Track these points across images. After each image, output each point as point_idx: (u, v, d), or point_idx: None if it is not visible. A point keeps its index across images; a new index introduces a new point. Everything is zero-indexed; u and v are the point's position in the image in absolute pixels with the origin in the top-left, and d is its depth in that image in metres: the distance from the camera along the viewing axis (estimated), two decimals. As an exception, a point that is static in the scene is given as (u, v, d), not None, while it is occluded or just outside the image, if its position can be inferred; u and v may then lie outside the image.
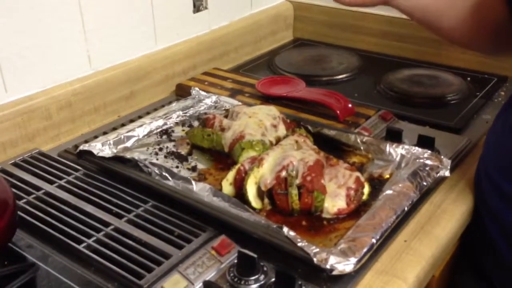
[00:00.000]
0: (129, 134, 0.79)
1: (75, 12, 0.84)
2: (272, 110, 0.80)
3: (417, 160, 0.71)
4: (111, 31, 0.91)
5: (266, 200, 0.65)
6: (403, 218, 0.62)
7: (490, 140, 0.72)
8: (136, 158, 0.71)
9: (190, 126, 0.85)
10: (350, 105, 0.85)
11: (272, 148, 0.70)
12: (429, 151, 0.72)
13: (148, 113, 0.89)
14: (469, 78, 1.01)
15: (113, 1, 0.90)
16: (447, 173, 0.69)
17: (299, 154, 0.67)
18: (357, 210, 0.64)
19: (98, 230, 0.61)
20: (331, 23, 1.22)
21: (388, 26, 1.14)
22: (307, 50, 1.17)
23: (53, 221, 0.63)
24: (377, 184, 0.69)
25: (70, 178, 0.71)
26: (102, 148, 0.74)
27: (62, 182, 0.70)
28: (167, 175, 0.68)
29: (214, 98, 0.91)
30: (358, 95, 0.96)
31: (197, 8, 1.06)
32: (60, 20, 0.82)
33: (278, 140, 0.75)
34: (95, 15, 0.87)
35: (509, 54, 0.81)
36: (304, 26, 1.26)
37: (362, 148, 0.76)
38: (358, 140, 0.76)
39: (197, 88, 0.93)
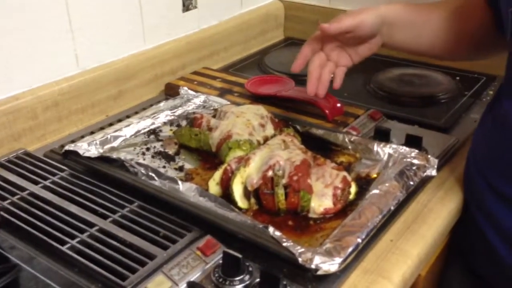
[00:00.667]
0: (116, 134, 0.78)
1: (62, 11, 0.83)
2: (260, 110, 0.79)
3: (404, 160, 0.70)
4: (99, 30, 0.90)
5: (252, 200, 0.64)
6: (390, 218, 0.62)
7: (479, 136, 0.72)
8: (123, 158, 0.71)
9: (178, 125, 0.84)
10: (339, 105, 0.85)
11: (259, 148, 0.70)
12: (417, 151, 0.71)
13: (136, 113, 0.89)
14: (458, 78, 1.01)
15: (101, 1, 0.89)
16: (434, 172, 0.69)
17: (286, 153, 0.67)
18: (343, 209, 0.64)
19: (82, 231, 0.61)
20: (322, 22, 1.21)
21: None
22: (298, 49, 1.15)
23: (37, 222, 0.62)
24: (364, 183, 0.68)
25: (55, 178, 0.71)
26: (88, 148, 0.74)
27: (47, 183, 0.70)
28: (153, 175, 0.67)
29: (202, 97, 0.90)
30: (347, 95, 0.95)
31: (186, 7, 1.05)
32: (47, 19, 0.82)
33: (266, 140, 0.74)
34: (82, 14, 0.86)
35: (492, 56, 0.81)
36: (294, 25, 1.26)
37: (350, 147, 0.76)
38: (346, 140, 0.76)
39: (185, 88, 0.92)
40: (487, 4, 0.75)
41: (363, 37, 0.76)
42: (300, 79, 1.00)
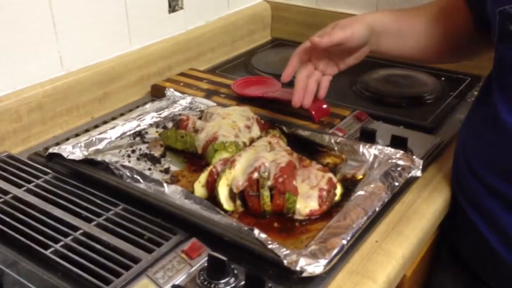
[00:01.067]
0: (101, 136, 0.77)
1: (45, 12, 0.83)
2: (246, 111, 0.79)
3: (390, 161, 0.71)
4: (84, 32, 0.89)
5: (238, 202, 0.64)
6: (375, 219, 0.63)
7: (468, 135, 0.72)
8: (107, 160, 0.70)
9: (164, 127, 0.84)
10: (325, 106, 0.85)
11: (244, 150, 0.69)
12: (402, 152, 0.72)
13: (122, 115, 0.88)
14: (443, 78, 1.01)
15: (86, 1, 0.88)
16: (418, 173, 0.69)
17: (272, 155, 0.67)
18: (329, 211, 0.64)
19: (66, 235, 0.60)
20: (308, 23, 1.22)
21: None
22: (285, 50, 1.17)
23: (20, 226, 0.61)
24: (350, 184, 0.69)
25: (39, 181, 0.70)
26: (72, 150, 0.73)
27: (30, 186, 0.69)
28: (138, 177, 0.67)
29: (189, 99, 0.90)
30: (334, 96, 0.95)
31: (172, 8, 1.05)
32: (31, 20, 0.81)
33: (252, 141, 0.74)
34: (67, 15, 0.86)
35: (477, 57, 0.83)
36: (281, 26, 1.26)
37: (336, 148, 0.76)
38: (332, 141, 0.76)
39: (172, 89, 0.92)
40: (466, 6, 0.77)
41: (354, 48, 0.77)
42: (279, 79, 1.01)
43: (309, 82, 0.78)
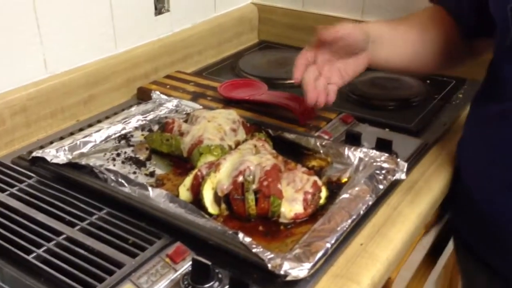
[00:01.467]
0: (86, 139, 0.77)
1: (29, 15, 0.82)
2: (232, 114, 0.79)
3: (374, 164, 0.71)
4: (68, 34, 0.89)
5: (223, 206, 0.64)
6: (360, 222, 0.63)
7: (475, 133, 0.74)
8: (92, 164, 0.70)
9: (150, 130, 0.83)
10: (311, 108, 0.85)
11: (230, 153, 0.69)
12: (386, 154, 0.72)
13: (107, 118, 0.87)
14: (428, 81, 1.02)
15: (70, 3, 0.87)
16: (403, 176, 0.70)
17: (257, 158, 0.67)
18: (314, 214, 0.64)
19: (49, 240, 0.59)
20: (295, 25, 1.22)
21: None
22: (272, 53, 1.17)
23: (3, 231, 0.61)
24: (335, 188, 0.69)
25: (22, 185, 0.69)
26: (56, 154, 0.72)
27: (13, 190, 0.68)
28: (123, 181, 0.67)
29: (175, 102, 0.90)
30: (320, 98, 0.96)
31: (158, 10, 1.04)
32: (14, 22, 0.80)
33: (238, 144, 0.74)
34: (51, 17, 0.85)
35: (469, 62, 0.86)
36: (269, 28, 1.26)
37: (321, 151, 0.76)
38: (318, 144, 0.77)
39: (158, 92, 0.92)
40: (450, 17, 0.79)
41: (354, 46, 0.76)
42: (273, 82, 1.01)
43: (316, 84, 0.76)
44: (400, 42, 0.80)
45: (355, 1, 1.14)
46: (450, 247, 1.00)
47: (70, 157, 0.73)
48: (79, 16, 0.89)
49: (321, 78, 0.77)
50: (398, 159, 0.72)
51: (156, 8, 1.04)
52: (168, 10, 1.06)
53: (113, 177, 0.67)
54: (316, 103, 0.75)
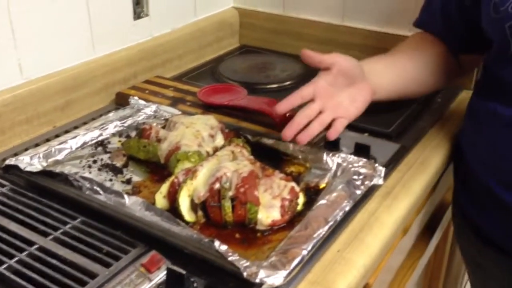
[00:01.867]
0: (61, 146, 0.76)
1: (3, 19, 0.80)
2: (210, 120, 0.79)
3: (352, 169, 0.71)
4: (44, 39, 0.87)
5: (199, 213, 0.64)
6: (337, 228, 0.63)
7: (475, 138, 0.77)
8: (67, 171, 0.69)
9: (128, 136, 0.82)
10: (290, 113, 0.85)
11: (207, 159, 0.69)
12: (364, 159, 0.72)
13: (85, 123, 0.86)
14: (407, 85, 1.03)
15: (46, 7, 0.86)
16: (380, 181, 0.70)
17: (234, 165, 0.66)
18: (291, 221, 0.64)
19: (21, 250, 0.58)
20: (277, 30, 1.22)
21: (332, 33, 1.15)
22: (252, 57, 1.17)
23: (-27, 242, 0.59)
24: (313, 193, 0.69)
25: (-5, 194, 0.68)
26: (30, 162, 0.71)
27: (-14, 199, 0.67)
28: (98, 189, 0.66)
29: (154, 107, 0.89)
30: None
31: (137, 14, 1.03)
32: (-13, 27, 0.79)
33: (216, 150, 0.74)
34: (27, 21, 0.84)
35: (460, 79, 0.91)
36: (250, 32, 1.26)
37: (300, 157, 0.76)
38: (296, 149, 0.76)
39: (136, 97, 0.91)
40: (439, 39, 0.83)
41: (350, 71, 0.77)
42: (253, 87, 1.01)
43: (311, 124, 0.73)
44: (392, 70, 0.83)
45: (336, 6, 1.15)
46: (430, 249, 1.01)
47: (44, 164, 0.72)
48: (56, 20, 0.88)
49: (320, 116, 0.74)
50: (376, 164, 0.72)
51: (135, 13, 1.03)
52: (147, 15, 1.05)
53: (88, 185, 0.66)
54: (296, 140, 0.72)
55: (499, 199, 0.73)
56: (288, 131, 0.73)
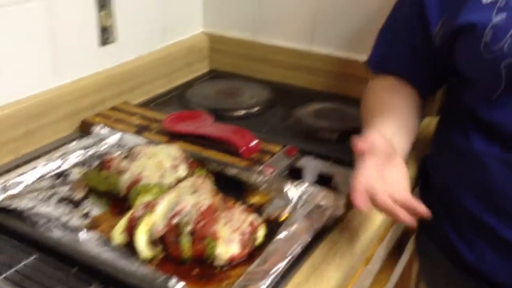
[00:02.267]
0: (19, 179, 0.74)
1: (-38, 48, 0.79)
2: (173, 150, 0.78)
3: (314, 200, 0.71)
4: (8, 66, 0.86)
5: (158, 248, 0.63)
6: (296, 262, 0.62)
7: (446, 167, 0.77)
8: (23, 206, 0.67)
9: (90, 167, 0.81)
10: (255, 142, 0.85)
11: (167, 192, 0.68)
12: (326, 190, 0.73)
13: (49, 152, 0.85)
14: (373, 112, 1.04)
15: (8, 34, 0.85)
16: (341, 212, 0.70)
17: (194, 198, 0.66)
18: (251, 255, 0.63)
19: (-30, 291, 0.57)
20: (246, 55, 1.23)
21: (300, 59, 1.16)
22: (221, 83, 1.17)
23: None
24: (274, 226, 0.68)
25: None
26: (-15, 196, 0.70)
27: None
28: (54, 224, 0.64)
29: (118, 135, 0.88)
30: (266, 130, 0.96)
31: (104, 40, 1.03)
32: None
33: (178, 181, 0.73)
34: (-13, 50, 0.83)
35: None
36: (219, 57, 1.26)
37: (263, 187, 0.76)
38: (260, 179, 0.76)
39: (101, 125, 0.90)
40: (410, 83, 0.82)
41: (387, 146, 0.67)
42: (221, 114, 1.01)
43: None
44: (404, 131, 0.76)
45: (304, 32, 1.16)
46: (397, 273, 1.02)
47: (0, 199, 0.70)
48: (20, 47, 0.87)
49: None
50: (338, 195, 0.72)
51: (101, 38, 1.02)
52: (114, 40, 1.05)
53: (43, 221, 0.64)
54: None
55: (468, 218, 0.74)
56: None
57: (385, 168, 0.65)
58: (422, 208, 0.60)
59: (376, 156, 0.64)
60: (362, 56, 1.10)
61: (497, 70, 0.66)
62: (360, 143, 0.64)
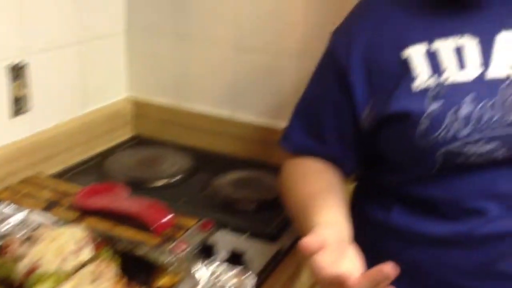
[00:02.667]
0: None
1: None
2: (78, 232, 0.75)
3: (224, 279, 0.70)
4: None
5: None
6: None
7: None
8: None
9: (-12, 250, 0.76)
10: (168, 218, 0.83)
11: (67, 281, 0.65)
12: (237, 268, 0.72)
13: None
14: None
15: None
16: (251, 292, 0.69)
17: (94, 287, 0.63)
18: None
19: None
20: (170, 120, 1.23)
21: (223, 125, 1.17)
22: (143, 150, 1.16)
23: None
24: (180, 310, 0.66)
25: None
26: None
27: None
28: None
29: (24, 213, 0.84)
30: (184, 201, 0.95)
31: (17, 110, 1.00)
32: None
33: (82, 266, 0.70)
34: None
35: None
36: (143, 123, 1.25)
37: (172, 268, 0.73)
38: (169, 259, 0.74)
39: (6, 203, 0.85)
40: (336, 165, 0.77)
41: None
42: (139, 185, 0.99)
43: None
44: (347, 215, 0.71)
45: (226, 99, 1.18)
46: None
47: None
48: None
49: None
50: (248, 273, 0.71)
51: (13, 109, 0.99)
52: (28, 110, 1.02)
53: None
54: None
55: None
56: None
57: (339, 261, 0.59)
58: (386, 268, 0.54)
59: (329, 252, 0.58)
60: (284, 124, 1.14)
61: (432, 158, 0.66)
62: (311, 242, 0.57)
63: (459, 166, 0.67)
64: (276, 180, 1.01)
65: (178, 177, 1.04)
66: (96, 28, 1.15)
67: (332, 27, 0.79)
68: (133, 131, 1.26)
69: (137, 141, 1.23)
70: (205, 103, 1.20)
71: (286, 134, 0.82)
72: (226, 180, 1.03)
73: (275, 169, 1.08)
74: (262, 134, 1.14)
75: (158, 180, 1.03)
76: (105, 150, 1.17)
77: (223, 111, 1.18)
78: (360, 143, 0.75)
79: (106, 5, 1.16)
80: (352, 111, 0.73)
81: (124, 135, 1.25)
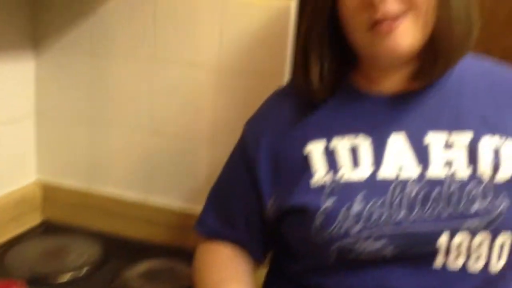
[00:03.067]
0: None
1: None
2: None
3: None
4: None
5: None
6: None
7: None
8: None
9: None
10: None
11: None
12: None
13: None
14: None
15: None
16: None
17: None
18: None
19: None
20: (81, 204, 1.18)
21: (137, 210, 1.15)
22: (50, 239, 1.10)
23: None
24: None
25: None
26: None
27: None
28: None
29: None
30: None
31: None
32: None
33: None
34: None
35: None
36: (53, 208, 1.20)
37: None
38: None
39: None
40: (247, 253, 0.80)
41: None
42: (41, 281, 0.93)
43: None
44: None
45: (141, 181, 1.16)
46: None
47: None
48: None
49: None
50: None
51: None
52: None
53: None
54: None
55: None
56: None
57: None
58: None
59: None
60: (200, 208, 1.13)
61: (327, 251, 0.68)
62: None
63: (353, 261, 0.69)
64: (191, 267, 1.01)
65: (85, 270, 1.00)
66: (4, 111, 1.11)
67: (238, 116, 0.79)
68: (42, 216, 1.20)
69: (45, 228, 1.17)
70: (117, 186, 1.17)
71: (201, 218, 0.84)
72: (137, 270, 1.00)
73: (190, 255, 1.07)
74: (177, 218, 1.13)
75: (64, 274, 0.98)
76: (10, 239, 1.10)
77: (136, 195, 1.16)
78: (267, 230, 0.78)
79: (15, 88, 1.13)
80: (259, 201, 0.75)
81: (33, 220, 1.18)
